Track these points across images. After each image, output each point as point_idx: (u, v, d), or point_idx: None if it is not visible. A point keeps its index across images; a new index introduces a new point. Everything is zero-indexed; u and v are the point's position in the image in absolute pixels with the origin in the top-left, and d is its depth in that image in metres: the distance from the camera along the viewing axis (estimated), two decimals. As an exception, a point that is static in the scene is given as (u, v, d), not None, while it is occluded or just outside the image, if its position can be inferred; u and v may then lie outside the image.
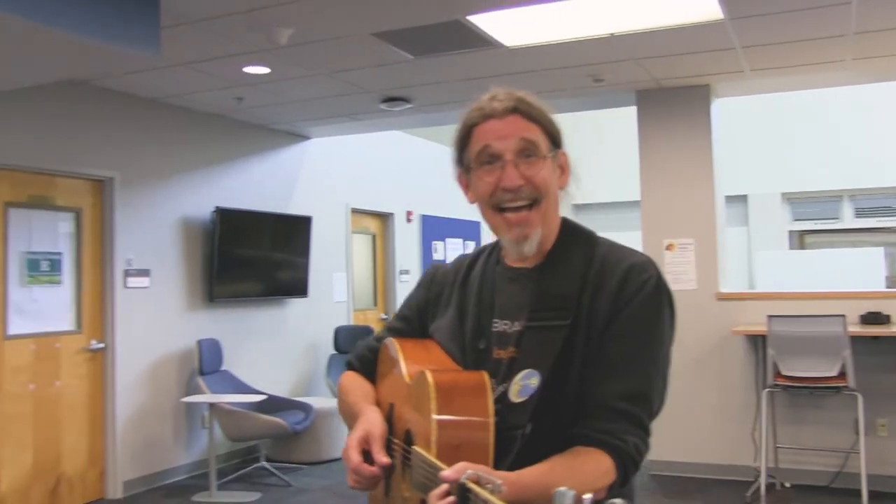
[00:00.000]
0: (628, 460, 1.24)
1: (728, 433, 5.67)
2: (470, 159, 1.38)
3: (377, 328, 8.03)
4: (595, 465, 1.21)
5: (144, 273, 5.79)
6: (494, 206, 1.36)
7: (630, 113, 6.17)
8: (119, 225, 5.61)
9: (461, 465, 1.08)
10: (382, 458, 1.33)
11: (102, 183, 5.59)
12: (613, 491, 1.23)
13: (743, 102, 7.43)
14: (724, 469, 5.67)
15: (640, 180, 6.03)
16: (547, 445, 1.24)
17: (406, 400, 1.37)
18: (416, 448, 1.26)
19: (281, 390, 6.80)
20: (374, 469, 1.33)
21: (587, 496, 0.93)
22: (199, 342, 6.01)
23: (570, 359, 1.29)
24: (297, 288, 7.15)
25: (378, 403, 1.50)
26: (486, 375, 1.30)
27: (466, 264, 1.52)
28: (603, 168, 8.81)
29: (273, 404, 6.08)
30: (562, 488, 0.93)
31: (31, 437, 5.05)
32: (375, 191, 8.47)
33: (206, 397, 5.73)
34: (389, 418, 1.45)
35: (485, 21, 4.34)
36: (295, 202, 7.27)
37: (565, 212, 1.47)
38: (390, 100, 5.98)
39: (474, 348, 1.39)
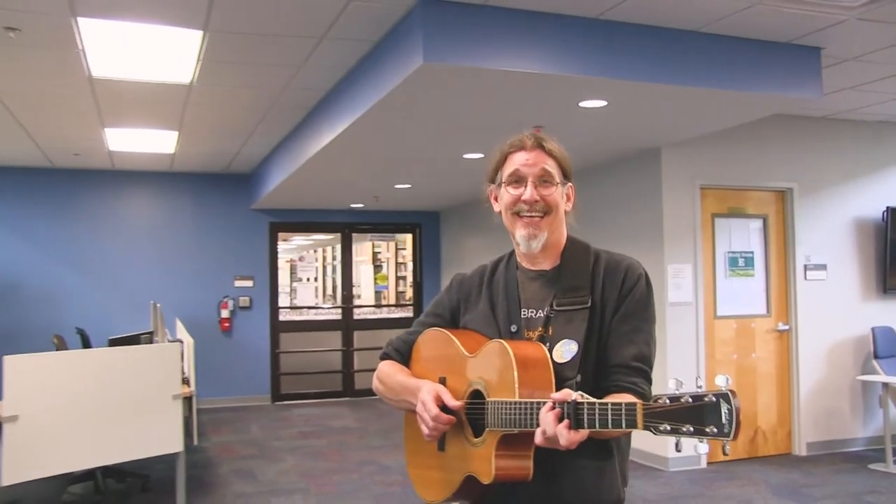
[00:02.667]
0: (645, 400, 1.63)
1: None
2: (502, 178, 1.84)
3: None
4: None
5: (821, 268, 6.79)
6: (515, 213, 1.81)
7: None
8: (798, 227, 6.73)
9: (566, 391, 1.51)
10: (456, 403, 1.73)
11: (783, 193, 6.79)
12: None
13: None
14: None
15: None
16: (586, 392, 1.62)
17: (467, 369, 1.77)
18: (496, 398, 1.64)
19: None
20: (450, 417, 1.71)
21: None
22: (873, 329, 6.73)
23: (592, 332, 1.73)
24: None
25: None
26: (542, 345, 1.71)
27: (489, 270, 1.94)
28: None
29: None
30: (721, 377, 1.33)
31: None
32: None
33: (882, 378, 6.43)
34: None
35: None
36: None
37: None
38: None
39: (508, 331, 1.80)
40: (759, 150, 6.66)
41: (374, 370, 2.01)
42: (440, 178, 7.91)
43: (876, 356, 6.70)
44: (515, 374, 1.61)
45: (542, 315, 1.79)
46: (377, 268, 12.79)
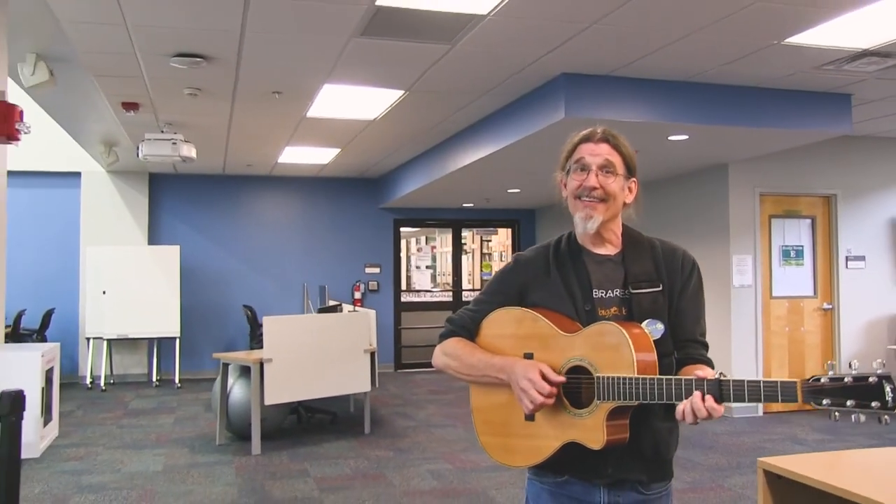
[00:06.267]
0: (711, 366, 1.89)
1: None
2: (570, 165, 1.96)
3: None
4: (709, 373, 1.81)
5: (860, 259, 8.39)
6: (577, 197, 1.94)
7: None
8: (841, 226, 8.34)
9: (708, 370, 1.75)
10: (561, 378, 1.82)
11: (829, 198, 8.41)
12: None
13: None
14: None
15: None
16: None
17: (563, 346, 1.86)
18: (611, 374, 1.77)
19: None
20: (553, 389, 1.81)
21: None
22: (903, 309, 8.32)
23: (665, 311, 1.90)
24: None
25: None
26: (641, 326, 1.85)
27: (551, 252, 2.03)
28: None
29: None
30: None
31: (786, 360, 8.20)
32: None
33: (908, 347, 8.02)
34: None
35: None
36: None
37: None
38: None
39: (583, 310, 1.90)
40: (808, 164, 8.28)
41: None
42: (545, 184, 9.68)
43: (905, 332, 8.29)
44: (634, 353, 1.76)
45: (614, 295, 1.93)
46: (484, 255, 14.64)
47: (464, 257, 13.61)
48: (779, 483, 2.69)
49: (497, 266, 13.99)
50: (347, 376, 7.02)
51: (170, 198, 11.18)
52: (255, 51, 5.06)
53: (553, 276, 1.98)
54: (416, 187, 9.74)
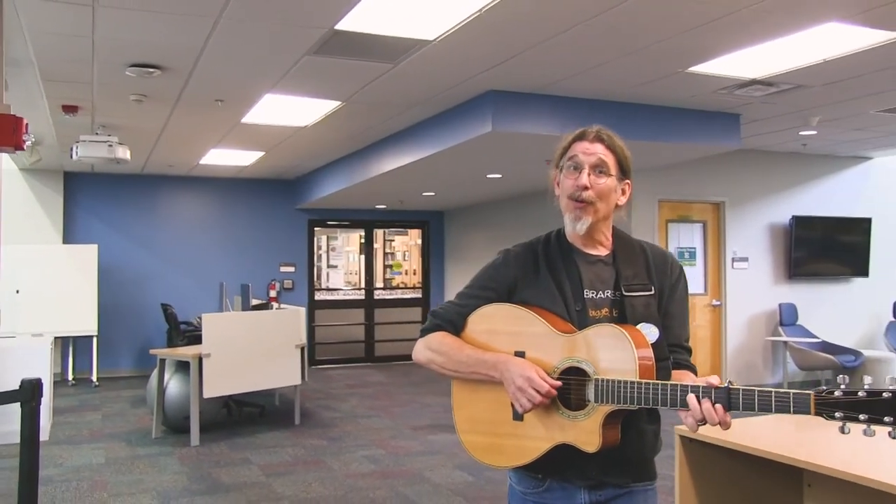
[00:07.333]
0: (695, 373, 1.94)
1: None
2: (564, 163, 1.95)
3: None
4: (694, 377, 1.89)
5: (744, 259, 9.34)
6: (569, 197, 1.92)
7: None
8: (728, 230, 9.26)
9: (713, 377, 1.71)
10: (556, 382, 1.79)
11: (718, 205, 9.31)
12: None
13: None
14: None
15: None
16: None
17: (559, 347, 1.83)
18: (611, 378, 1.75)
19: (844, 342, 9.59)
20: (552, 390, 1.78)
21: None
22: (780, 304, 9.30)
23: (657, 315, 1.89)
24: (859, 269, 9.82)
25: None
26: (640, 331, 1.82)
27: (541, 249, 1.99)
28: None
29: (831, 348, 9.01)
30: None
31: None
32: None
33: (784, 339, 8.99)
34: None
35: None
36: (858, 207, 9.93)
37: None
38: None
39: (574, 310, 1.88)
40: (702, 174, 9.15)
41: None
42: (460, 189, 10.27)
43: (781, 324, 9.26)
44: (636, 357, 1.73)
45: (605, 297, 1.91)
46: (387, 255, 15.08)
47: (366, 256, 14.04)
48: (691, 446, 3.12)
49: (408, 264, 14.50)
50: (280, 370, 7.37)
51: (86, 197, 11.14)
52: (211, 63, 5.38)
53: (543, 274, 1.95)
54: (336, 189, 10.11)
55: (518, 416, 1.86)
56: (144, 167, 10.64)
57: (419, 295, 13.48)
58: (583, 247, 1.98)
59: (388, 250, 14.97)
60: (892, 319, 9.80)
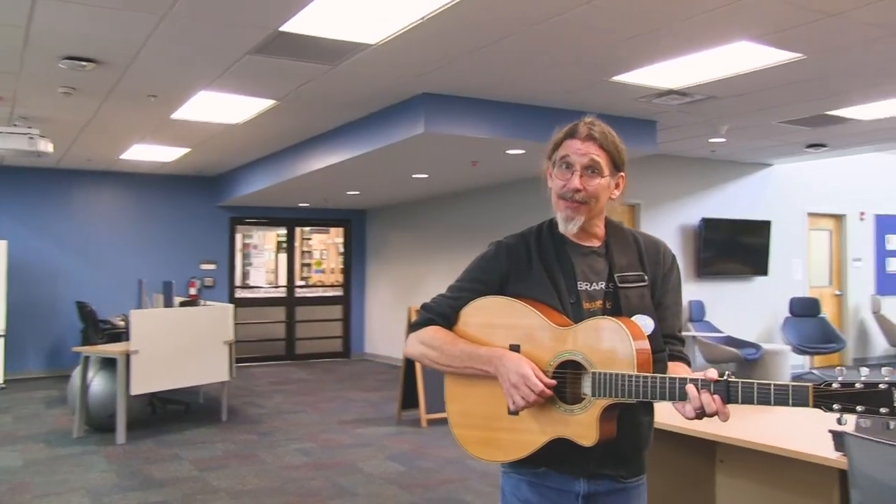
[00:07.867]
0: (688, 364, 1.98)
1: None
2: (556, 159, 1.93)
3: (830, 302, 10.85)
4: (687, 370, 1.93)
5: (656, 259, 9.80)
6: (559, 196, 1.92)
7: None
8: (643, 230, 9.67)
9: (710, 370, 1.71)
10: (551, 381, 1.79)
11: (634, 206, 9.75)
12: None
13: None
14: None
15: None
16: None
17: (555, 340, 1.82)
18: (609, 371, 1.74)
19: (746, 336, 10.18)
20: (547, 391, 1.77)
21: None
22: (690, 301, 9.82)
23: (651, 306, 1.90)
24: (760, 269, 10.45)
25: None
26: (637, 324, 1.81)
27: (533, 240, 1.98)
28: None
29: (734, 342, 9.58)
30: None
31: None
32: (831, 199, 11.22)
33: (693, 334, 9.51)
34: None
35: None
36: (759, 211, 10.57)
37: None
38: (812, 146, 8.99)
39: (568, 302, 1.87)
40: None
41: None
42: (385, 188, 10.42)
43: (690, 320, 9.78)
44: (634, 351, 1.72)
45: (599, 288, 1.90)
46: (305, 253, 15.06)
47: (284, 255, 14.01)
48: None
49: (326, 263, 14.54)
50: (208, 367, 7.38)
51: (-4, 190, 10.79)
52: (149, 59, 5.38)
53: (535, 267, 1.93)
54: (260, 187, 10.11)
55: (514, 411, 1.85)
56: (60, 161, 10.37)
57: (340, 293, 13.55)
58: (575, 238, 1.97)
59: (304, 248, 14.96)
60: (788, 315, 10.48)
